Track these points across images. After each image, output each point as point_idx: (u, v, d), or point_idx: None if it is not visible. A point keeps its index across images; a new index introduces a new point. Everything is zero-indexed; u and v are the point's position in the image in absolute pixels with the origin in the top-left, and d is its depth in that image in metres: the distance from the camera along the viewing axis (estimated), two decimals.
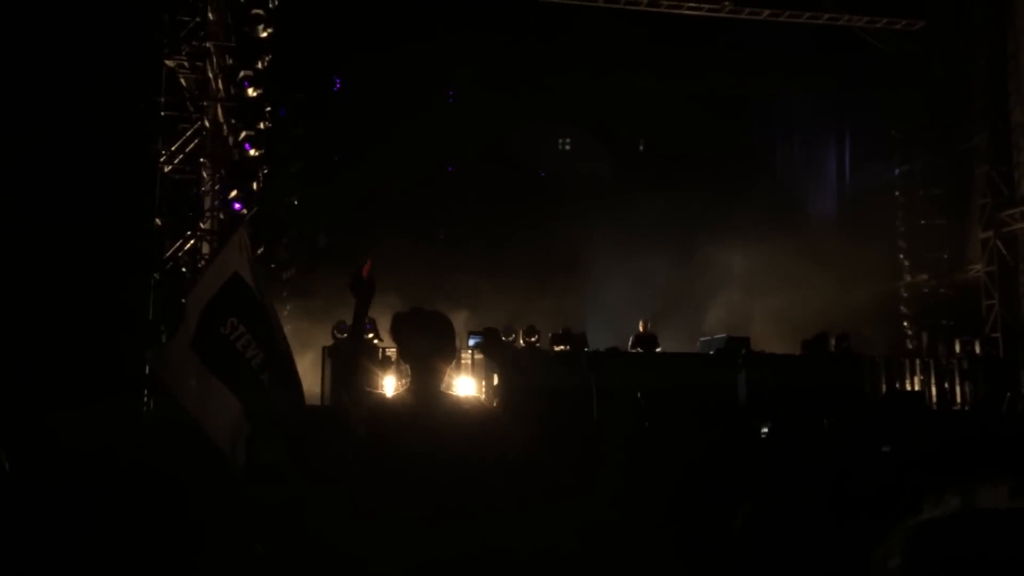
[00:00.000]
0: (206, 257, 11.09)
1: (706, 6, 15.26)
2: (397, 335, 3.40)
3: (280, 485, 4.66)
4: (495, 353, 10.04)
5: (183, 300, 4.35)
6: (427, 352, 3.33)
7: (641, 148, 18.72)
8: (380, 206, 15.82)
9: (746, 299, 15.80)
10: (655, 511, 4.30)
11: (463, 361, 11.95)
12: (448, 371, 3.44)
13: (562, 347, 12.76)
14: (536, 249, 17.07)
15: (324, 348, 12.10)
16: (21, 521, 4.00)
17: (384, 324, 3.48)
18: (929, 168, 16.70)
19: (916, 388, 13.49)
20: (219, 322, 4.13)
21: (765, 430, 9.55)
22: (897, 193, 17.11)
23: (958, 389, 13.68)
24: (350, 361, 3.57)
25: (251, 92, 11.65)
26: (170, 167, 11.46)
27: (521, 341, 12.99)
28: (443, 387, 3.41)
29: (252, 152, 11.73)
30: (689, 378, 11.76)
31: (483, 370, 11.61)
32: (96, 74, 10.00)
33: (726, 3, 15.05)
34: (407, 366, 3.42)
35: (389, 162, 16.06)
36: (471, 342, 12.17)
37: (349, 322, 3.75)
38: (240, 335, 4.17)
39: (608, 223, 16.81)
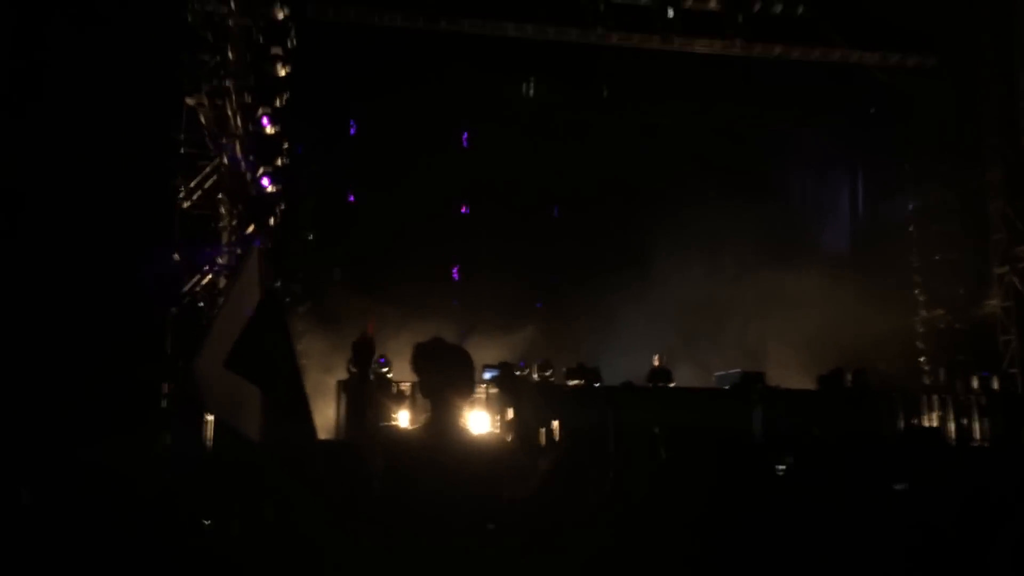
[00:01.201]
0: (222, 291, 11.20)
1: (718, 43, 15.41)
2: (417, 367, 3.41)
3: (294, 518, 4.68)
4: (510, 388, 10.03)
5: (211, 320, 4.39)
6: (445, 386, 3.34)
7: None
8: (395, 243, 15.90)
9: (761, 334, 15.75)
10: (673, 548, 4.28)
11: (478, 396, 11.96)
12: (464, 405, 3.46)
13: (577, 381, 12.75)
14: (547, 284, 17.16)
15: (339, 382, 12.14)
16: (40, 553, 4.03)
17: (402, 358, 3.52)
18: (943, 203, 16.69)
19: (934, 424, 13.37)
20: (260, 341, 4.14)
21: (782, 467, 9.48)
22: (911, 228, 17.09)
23: (976, 425, 13.55)
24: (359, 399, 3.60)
25: (269, 129, 11.83)
26: (189, 203, 11.61)
27: (535, 375, 12.98)
28: (459, 421, 3.41)
29: (269, 188, 11.87)
30: (704, 413, 11.72)
31: (498, 404, 11.60)
32: (118, 112, 10.19)
33: (738, 40, 15.19)
34: (426, 399, 3.43)
35: (404, 200, 16.18)
36: (486, 375, 12.17)
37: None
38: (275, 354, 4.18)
39: (621, 259, 16.86)
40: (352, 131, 17.21)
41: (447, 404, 3.32)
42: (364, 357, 3.51)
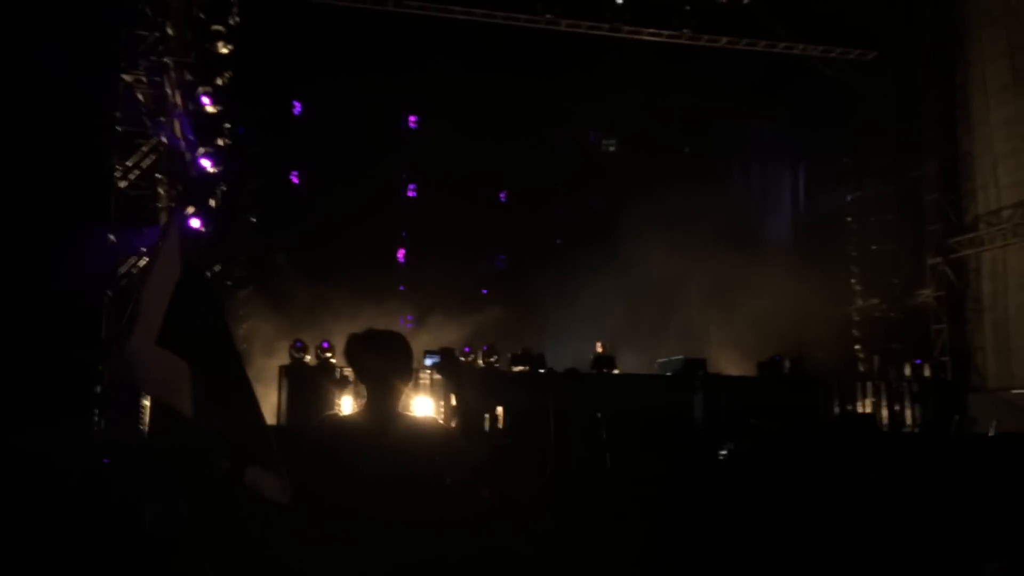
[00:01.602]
0: None
1: (666, 32, 15.50)
2: (352, 356, 3.38)
3: (232, 506, 4.61)
4: (451, 373, 9.99)
5: (136, 298, 4.23)
6: (384, 372, 3.32)
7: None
8: (339, 227, 15.70)
9: (703, 321, 15.97)
10: (614, 531, 4.32)
11: (422, 381, 11.91)
12: (405, 391, 3.43)
13: (521, 368, 12.78)
14: (494, 270, 17.16)
15: (281, 367, 11.98)
16: None
17: (340, 346, 3.45)
18: (881, 195, 17.07)
19: (868, 410, 13.71)
20: (188, 315, 4.03)
21: (723, 452, 9.64)
22: (850, 219, 17.45)
23: (908, 412, 13.93)
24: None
25: (209, 108, 11.57)
26: (125, 183, 11.31)
27: (480, 361, 12.97)
28: (400, 407, 3.39)
29: (210, 168, 11.62)
30: (647, 399, 11.85)
31: (441, 390, 11.57)
32: (51, 87, 9.86)
33: (685, 31, 15.30)
34: (364, 385, 3.40)
35: (349, 183, 15.99)
36: (428, 362, 12.13)
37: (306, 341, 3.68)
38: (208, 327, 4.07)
39: (568, 245, 16.92)
40: (296, 111, 16.94)
41: (387, 389, 3.30)
42: None
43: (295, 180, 16.85)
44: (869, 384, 14.29)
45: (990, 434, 10.86)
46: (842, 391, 13.80)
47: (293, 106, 16.90)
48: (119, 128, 11.32)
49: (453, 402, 11.25)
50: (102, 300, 10.51)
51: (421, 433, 3.35)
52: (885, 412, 13.85)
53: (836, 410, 13.42)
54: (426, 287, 15.45)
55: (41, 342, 9.06)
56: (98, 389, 9.57)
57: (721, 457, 9.07)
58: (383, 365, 3.31)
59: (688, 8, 15.18)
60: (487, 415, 10.98)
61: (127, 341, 3.99)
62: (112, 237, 10.94)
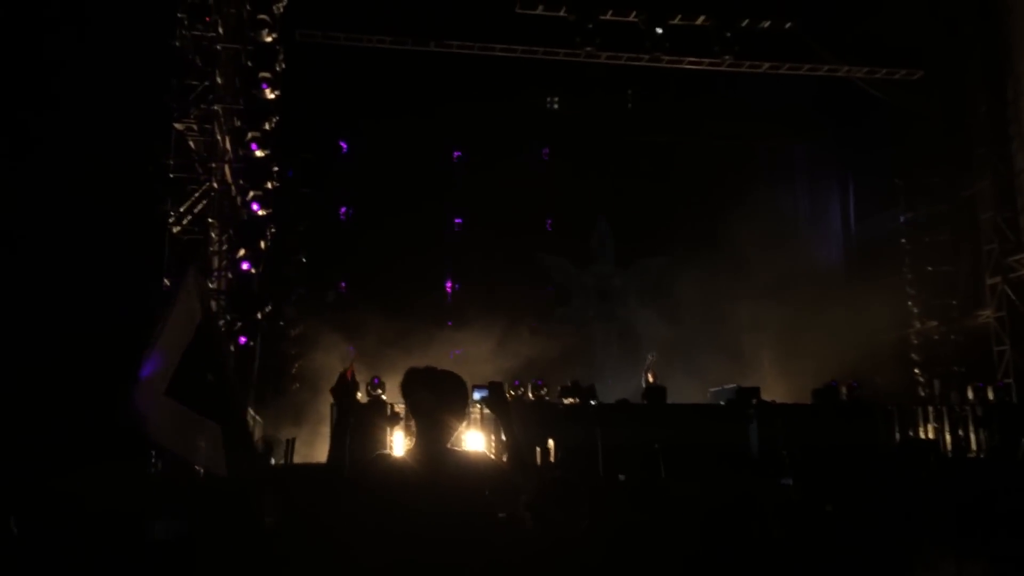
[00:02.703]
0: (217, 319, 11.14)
1: (707, 60, 15.48)
2: (408, 390, 3.40)
3: (283, 546, 4.62)
4: (499, 407, 9.94)
5: (150, 347, 4.29)
6: (437, 408, 3.33)
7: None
8: (386, 262, 15.86)
9: (755, 348, 15.75)
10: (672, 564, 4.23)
11: (472, 416, 11.89)
12: (458, 427, 3.44)
13: (571, 400, 12.69)
14: (541, 302, 17.17)
15: (331, 405, 12.06)
16: None
17: (396, 376, 3.49)
18: (934, 215, 16.72)
19: (930, 436, 13.33)
20: (198, 369, 4.10)
21: (788, 482, 9.43)
22: (903, 240, 17.12)
23: (972, 436, 13.52)
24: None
25: (258, 153, 11.82)
26: (179, 228, 11.58)
27: (530, 394, 12.92)
28: (452, 443, 3.39)
29: (260, 212, 11.85)
30: (701, 430, 11.67)
31: (491, 424, 11.53)
32: (107, 138, 10.17)
33: (727, 57, 15.26)
34: (416, 419, 3.42)
35: (397, 219, 16.18)
36: (476, 395, 12.11)
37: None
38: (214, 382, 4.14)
39: (619, 276, 16.85)
40: (344, 150, 17.23)
41: (438, 424, 3.31)
42: (343, 401, 3.51)
43: (342, 217, 17.10)
44: (931, 409, 13.92)
45: None
46: (903, 417, 13.45)
47: (340, 147, 17.20)
48: (172, 175, 11.62)
49: (503, 436, 11.22)
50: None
51: (472, 469, 3.36)
52: (948, 437, 13.46)
53: (897, 436, 13.08)
54: (474, 320, 15.51)
55: (99, 383, 9.25)
56: None
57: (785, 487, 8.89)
58: (436, 400, 3.33)
59: (729, 35, 15.14)
60: (538, 448, 10.91)
61: (137, 390, 4.06)
62: (167, 281, 11.18)
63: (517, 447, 3.51)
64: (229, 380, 4.18)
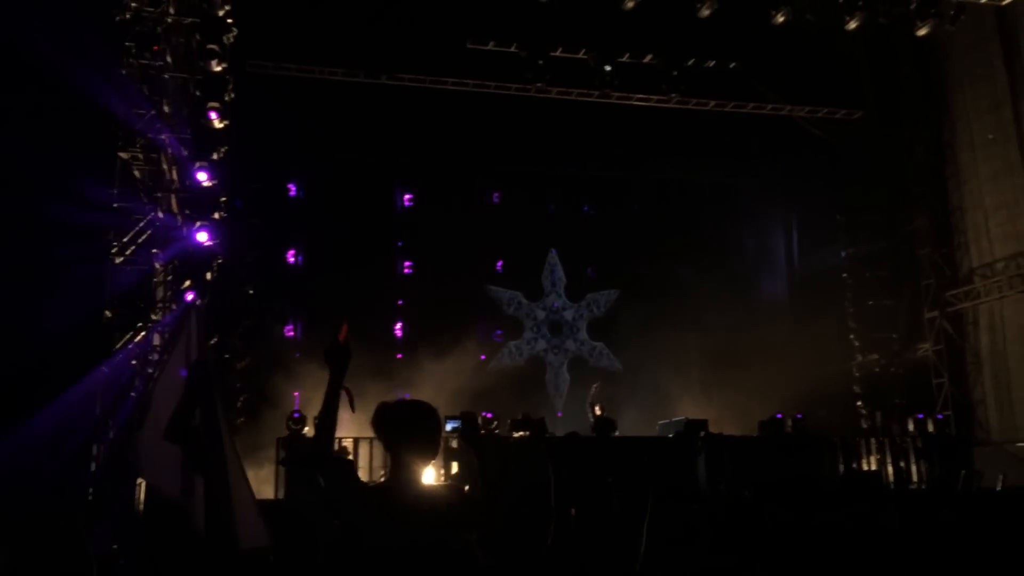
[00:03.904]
0: (156, 349, 10.92)
1: (654, 97, 15.77)
2: (380, 424, 3.36)
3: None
4: (472, 438, 9.85)
5: (148, 390, 4.25)
6: (410, 439, 3.31)
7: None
8: (335, 300, 15.66)
9: (703, 380, 15.91)
10: None
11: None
12: (433, 458, 3.41)
13: (521, 433, 12.65)
14: (490, 339, 17.16)
15: (279, 439, 11.87)
16: None
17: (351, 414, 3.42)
18: (874, 251, 17.13)
19: (872, 467, 13.57)
20: (191, 412, 4.05)
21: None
22: (845, 275, 17.52)
23: (914, 468, 13.79)
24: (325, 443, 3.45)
25: (206, 183, 11.68)
26: (122, 259, 11.35)
27: (482, 430, 12.85)
28: (420, 475, 3.38)
29: (206, 242, 11.68)
30: (650, 462, 11.70)
31: (461, 455, 11.43)
32: (49, 167, 9.98)
33: (673, 95, 15.56)
34: (389, 455, 3.37)
35: (346, 256, 16.06)
36: (448, 426, 12.00)
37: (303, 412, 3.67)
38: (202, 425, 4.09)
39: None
40: (292, 194, 17.06)
41: (415, 460, 3.30)
42: (341, 366, 3.39)
43: (290, 260, 16.85)
44: (873, 441, 14.18)
45: (997, 488, 10.71)
46: (846, 449, 13.67)
47: (288, 189, 17.01)
48: (115, 205, 11.41)
49: (455, 470, 11.12)
50: (99, 375, 10.45)
51: (440, 499, 3.33)
52: (891, 469, 13.71)
53: (841, 468, 13.28)
54: (424, 355, 15.42)
55: (39, 424, 9.00)
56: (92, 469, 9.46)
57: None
58: (410, 435, 3.30)
59: (675, 73, 15.45)
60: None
61: (138, 432, 4.01)
62: (108, 313, 10.94)
63: (489, 475, 3.49)
64: (214, 426, 4.10)
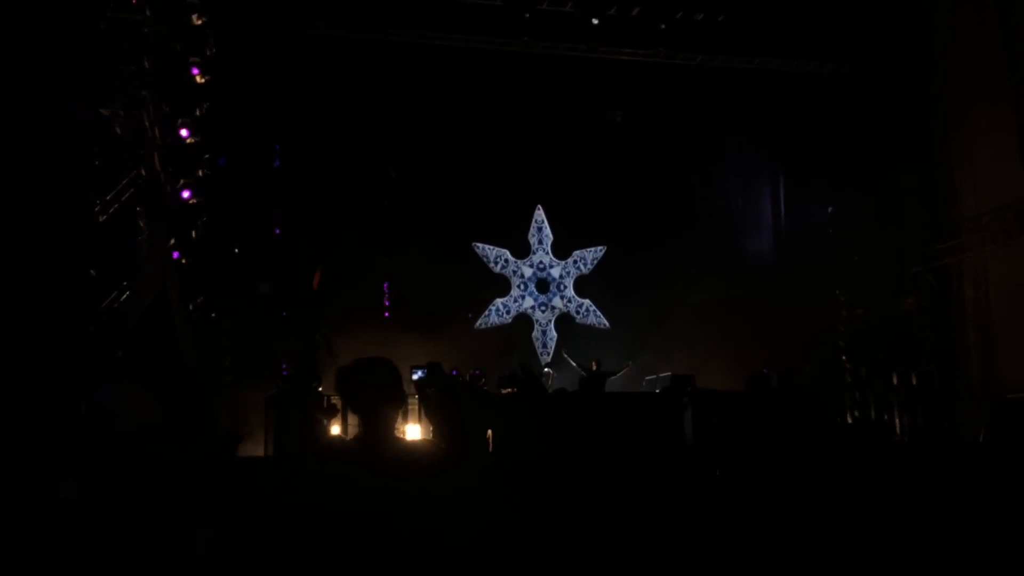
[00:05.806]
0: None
1: (642, 52, 15.62)
2: (343, 389, 3.39)
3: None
4: (439, 385, 9.91)
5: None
6: (375, 400, 3.33)
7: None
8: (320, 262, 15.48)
9: (690, 337, 15.96)
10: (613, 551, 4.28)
11: (411, 406, 11.83)
12: (398, 412, 3.45)
13: (509, 389, 12.69)
14: (477, 297, 17.15)
15: (266, 398, 11.86)
16: None
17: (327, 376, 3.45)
18: (860, 206, 17.15)
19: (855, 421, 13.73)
20: (148, 340, 4.04)
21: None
22: (831, 230, 17.54)
23: (896, 421, 13.96)
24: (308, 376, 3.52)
25: (188, 139, 11.54)
26: (105, 216, 11.24)
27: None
28: (394, 430, 3.41)
29: (190, 200, 11.57)
30: (637, 417, 11.80)
31: (435, 412, 11.47)
32: (28, 125, 9.82)
33: (661, 49, 15.42)
34: (357, 415, 3.41)
35: (332, 215, 15.81)
36: (414, 376, 11.99)
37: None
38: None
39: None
40: (276, 163, 16.67)
41: (380, 417, 3.31)
42: (316, 309, 3.47)
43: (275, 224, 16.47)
44: (857, 394, 14.34)
45: (980, 439, 10.88)
46: (831, 403, 13.82)
47: (273, 148, 16.61)
48: (97, 163, 11.27)
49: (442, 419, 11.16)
50: (83, 334, 10.40)
51: (413, 454, 3.35)
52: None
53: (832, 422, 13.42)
54: (411, 314, 15.39)
55: (22, 378, 8.95)
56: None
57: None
58: (374, 395, 3.31)
59: (663, 27, 15.30)
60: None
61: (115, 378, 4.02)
62: (92, 271, 10.86)
63: (456, 426, 3.56)
64: (180, 350, 4.10)
